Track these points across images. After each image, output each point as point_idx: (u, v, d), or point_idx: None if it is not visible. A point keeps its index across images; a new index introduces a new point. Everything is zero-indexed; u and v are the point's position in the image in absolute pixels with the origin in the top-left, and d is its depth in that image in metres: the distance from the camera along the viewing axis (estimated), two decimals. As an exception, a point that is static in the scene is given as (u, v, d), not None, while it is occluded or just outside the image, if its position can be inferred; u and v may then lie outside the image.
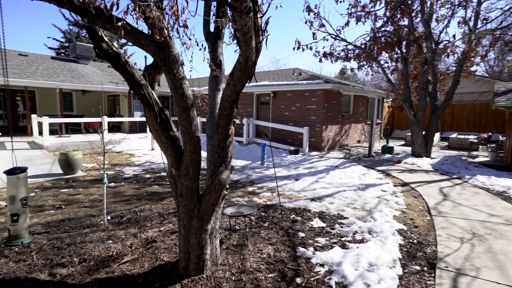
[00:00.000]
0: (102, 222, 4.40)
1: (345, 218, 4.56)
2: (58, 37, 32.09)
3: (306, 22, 9.77)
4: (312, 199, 5.49)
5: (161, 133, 2.69)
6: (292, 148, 10.36)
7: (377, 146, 12.85)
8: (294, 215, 4.63)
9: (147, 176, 7.38)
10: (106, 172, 7.78)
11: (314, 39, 10.06)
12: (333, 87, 11.15)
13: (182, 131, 2.60)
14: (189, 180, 2.75)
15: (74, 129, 14.22)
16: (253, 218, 4.53)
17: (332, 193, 5.85)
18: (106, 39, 2.39)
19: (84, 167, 8.32)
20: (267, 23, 2.41)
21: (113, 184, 6.58)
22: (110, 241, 3.74)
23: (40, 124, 11.00)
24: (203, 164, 4.32)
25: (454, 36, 8.54)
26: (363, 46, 10.38)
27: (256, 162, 9.01)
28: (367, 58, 10.86)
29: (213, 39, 3.71)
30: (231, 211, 3.78)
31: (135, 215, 4.75)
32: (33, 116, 11.32)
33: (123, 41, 34.00)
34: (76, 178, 7.07)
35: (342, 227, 4.19)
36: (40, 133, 11.12)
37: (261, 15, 2.08)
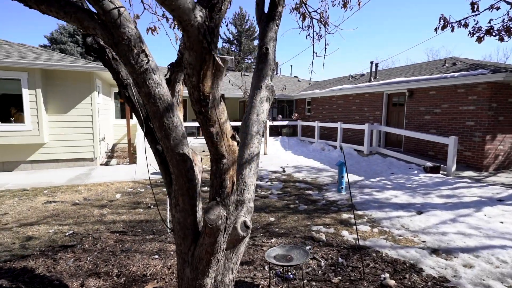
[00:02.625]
0: (167, 230, 4.29)
1: (487, 304, 2.57)
2: (215, 54, 38.51)
3: (458, -9, 7.01)
4: (433, 251, 3.56)
5: (149, 145, 2.07)
6: (429, 164, 7.71)
7: None
8: (388, 274, 3.03)
9: (242, 183, 7.11)
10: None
11: (474, 10, 7.11)
12: (506, 78, 7.60)
13: (162, 146, 1.88)
14: (179, 213, 2.00)
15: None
16: (322, 263, 3.27)
17: (476, 246, 3.64)
18: (93, 33, 1.98)
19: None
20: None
21: (206, 188, 6.65)
22: (156, 257, 3.49)
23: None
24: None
25: None
26: None
27: (370, 179, 7.18)
28: None
29: (265, 20, 2.82)
30: (276, 254, 2.75)
31: (200, 228, 4.42)
32: (177, 120, 13.53)
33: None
34: (184, 178, 7.65)
35: (472, 323, 2.33)
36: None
37: None
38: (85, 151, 8.73)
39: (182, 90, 2.59)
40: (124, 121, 13.18)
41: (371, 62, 13.03)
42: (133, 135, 11.90)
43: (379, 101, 11.61)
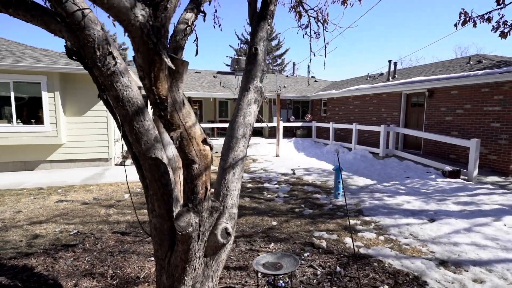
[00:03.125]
0: None
1: (495, 325, 2.34)
2: (232, 54, 38.69)
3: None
4: (442, 263, 3.31)
5: (127, 149, 2.04)
6: (449, 168, 7.27)
7: None
8: (388, 286, 2.84)
9: (248, 185, 7.04)
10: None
11: (499, 3, 6.63)
12: (535, 77, 7.03)
13: (135, 150, 1.84)
14: (156, 218, 1.95)
15: (222, 133, 16.31)
16: (319, 272, 3.13)
17: (490, 259, 3.35)
18: (60, 36, 1.98)
19: (208, 169, 9.05)
20: None
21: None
22: (152, 259, 3.48)
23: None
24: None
25: None
26: None
27: (383, 183, 6.87)
28: None
29: (256, 20, 2.74)
30: (266, 261, 2.65)
31: (200, 230, 4.38)
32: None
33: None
34: (193, 179, 7.68)
35: None
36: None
37: None
38: (100, 151, 9.00)
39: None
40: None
41: (390, 61, 12.55)
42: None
43: (397, 102, 11.15)
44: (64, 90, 8.46)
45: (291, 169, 8.56)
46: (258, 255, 3.56)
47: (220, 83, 15.56)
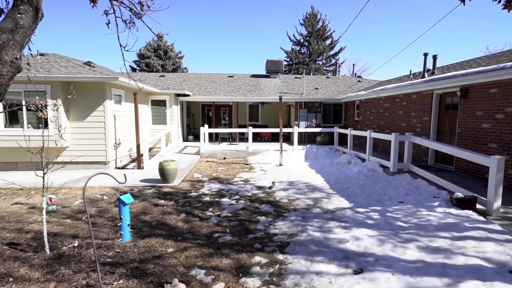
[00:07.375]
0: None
1: None
2: (283, 57, 37.82)
3: None
4: None
5: None
6: (460, 194, 5.38)
7: None
8: None
9: (206, 199, 6.38)
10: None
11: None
12: None
13: None
14: None
15: (243, 138, 15.81)
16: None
17: None
18: None
19: (191, 176, 8.69)
20: None
21: (163, 201, 6.22)
22: (-6, 280, 3.25)
23: (214, 134, 13.06)
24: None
25: None
26: None
27: (358, 209, 5.44)
28: None
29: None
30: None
31: (84, 250, 4.02)
32: (205, 126, 13.59)
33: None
34: (162, 187, 7.40)
35: None
36: (211, 140, 13.29)
37: None
38: (99, 155, 9.50)
39: None
40: (159, 126, 14.06)
41: (425, 54, 10.25)
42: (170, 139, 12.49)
43: (428, 104, 9.01)
44: (67, 97, 9.17)
45: (272, 182, 7.59)
46: (88, 293, 2.99)
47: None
